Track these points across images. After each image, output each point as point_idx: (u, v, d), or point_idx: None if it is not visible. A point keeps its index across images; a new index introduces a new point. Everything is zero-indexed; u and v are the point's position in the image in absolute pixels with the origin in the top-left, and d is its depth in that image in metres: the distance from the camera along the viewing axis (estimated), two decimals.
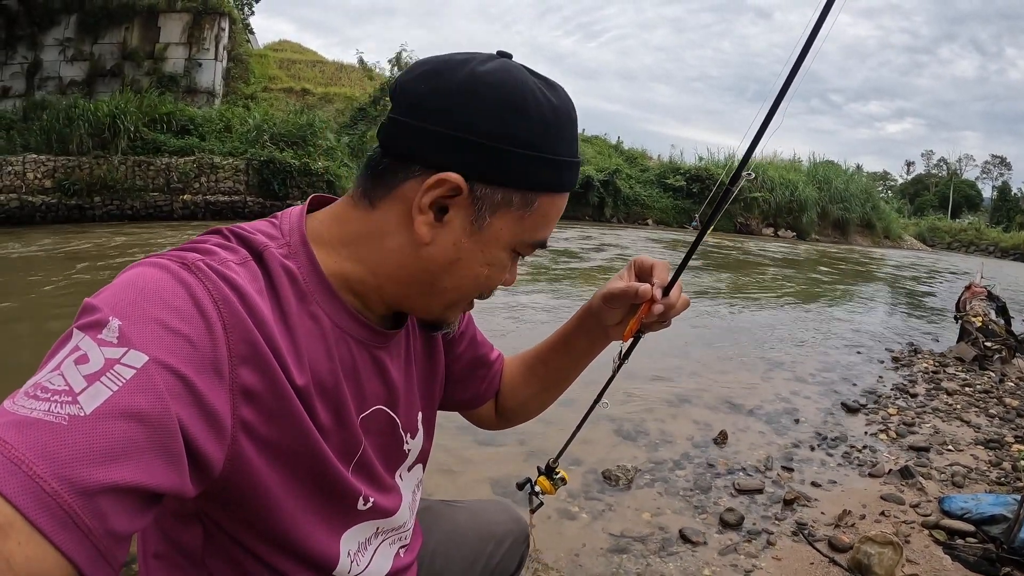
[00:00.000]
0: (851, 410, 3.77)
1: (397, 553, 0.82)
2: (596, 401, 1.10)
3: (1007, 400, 4.08)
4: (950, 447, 3.22)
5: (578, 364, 0.94)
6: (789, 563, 2.09)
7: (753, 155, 0.81)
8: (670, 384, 4.07)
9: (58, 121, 13.06)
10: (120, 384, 0.45)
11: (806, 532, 2.28)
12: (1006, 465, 2.99)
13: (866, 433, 3.41)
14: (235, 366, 0.54)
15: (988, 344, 5.21)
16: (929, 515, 2.42)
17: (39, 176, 12.34)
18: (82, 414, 0.43)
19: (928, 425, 3.57)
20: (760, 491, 2.60)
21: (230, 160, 13.96)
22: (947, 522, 2.33)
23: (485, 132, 0.60)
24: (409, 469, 0.84)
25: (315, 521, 0.67)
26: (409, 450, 0.82)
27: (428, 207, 0.62)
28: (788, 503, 2.50)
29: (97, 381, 0.45)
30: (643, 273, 0.82)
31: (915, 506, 2.51)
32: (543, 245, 0.69)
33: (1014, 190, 64.19)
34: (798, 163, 27.82)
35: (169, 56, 17.47)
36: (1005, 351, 5.14)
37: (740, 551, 2.14)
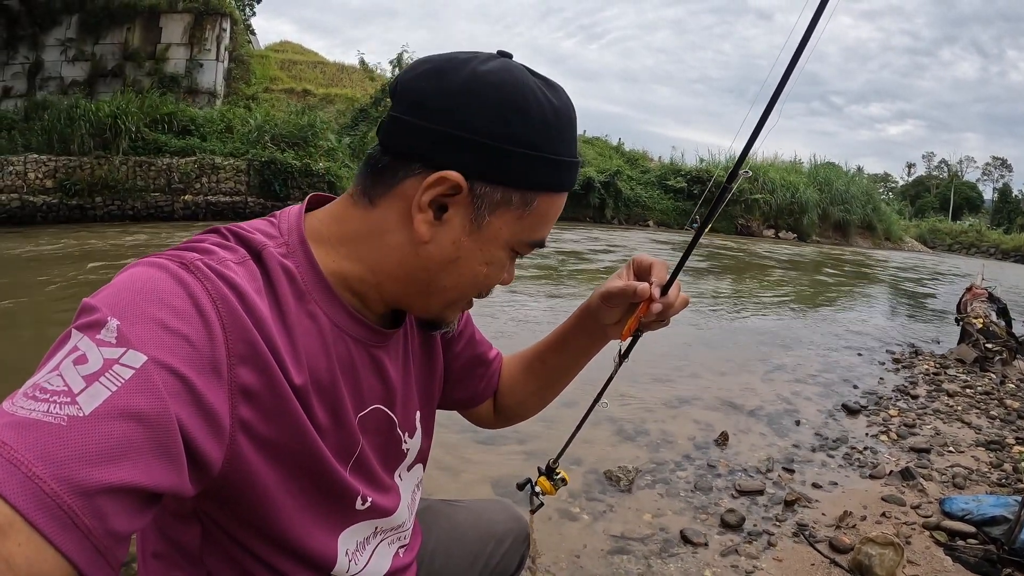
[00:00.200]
0: (852, 411, 3.77)
1: (396, 553, 0.82)
2: (596, 401, 1.10)
3: (1008, 402, 4.08)
4: (951, 448, 3.22)
5: (576, 363, 0.94)
6: (790, 564, 2.09)
7: (749, 154, 0.81)
8: (671, 385, 4.07)
9: (59, 121, 13.08)
10: (119, 384, 0.45)
11: (807, 533, 2.27)
12: (1007, 467, 2.99)
13: (867, 434, 3.41)
14: (233, 365, 0.54)
15: (989, 346, 5.21)
16: (930, 516, 2.41)
17: (40, 176, 12.36)
18: (81, 415, 0.43)
19: (929, 427, 3.56)
20: (761, 492, 2.60)
21: (231, 161, 13.97)
22: (948, 523, 2.32)
23: (486, 131, 0.60)
24: (409, 469, 0.84)
25: (313, 520, 0.67)
26: (408, 449, 0.81)
27: (428, 205, 0.62)
28: (789, 504, 2.50)
29: (96, 381, 0.45)
30: (642, 272, 0.81)
31: (916, 507, 2.51)
32: (541, 245, 0.69)
33: (1015, 192, 64.22)
34: (799, 165, 27.83)
35: (170, 56, 17.49)
36: (1006, 353, 5.14)
37: (741, 552, 2.14)
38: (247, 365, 0.55)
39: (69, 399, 0.43)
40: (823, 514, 2.44)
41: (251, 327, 0.55)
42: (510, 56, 0.66)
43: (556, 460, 1.27)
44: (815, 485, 2.72)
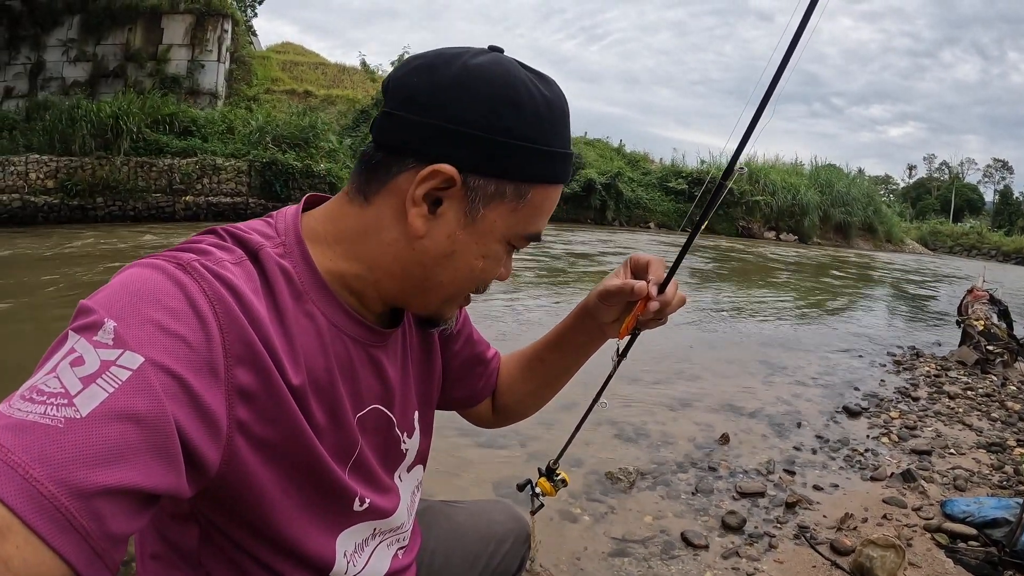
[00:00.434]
0: (853, 413, 3.76)
1: (395, 554, 0.82)
2: (595, 401, 1.09)
3: (1009, 404, 4.07)
4: (952, 451, 3.21)
5: (575, 362, 0.94)
6: (791, 566, 2.08)
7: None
8: (672, 387, 4.06)
9: (61, 122, 13.10)
10: (116, 386, 0.45)
11: (808, 535, 2.27)
12: (1008, 469, 2.98)
13: (868, 436, 3.40)
14: (231, 366, 0.54)
15: (990, 348, 5.20)
16: (931, 518, 2.41)
17: (42, 176, 12.38)
18: (78, 416, 0.43)
19: (930, 429, 3.56)
20: (762, 494, 2.60)
21: (232, 162, 13.99)
22: (949, 525, 2.32)
23: (478, 124, 0.60)
24: (409, 470, 0.84)
25: (310, 521, 0.67)
26: (407, 450, 0.81)
27: (422, 199, 0.62)
28: (790, 506, 2.49)
29: (93, 383, 0.44)
30: (639, 270, 0.81)
31: (917, 509, 2.50)
32: (537, 238, 0.69)
33: (1016, 194, 64.26)
34: (800, 167, 27.81)
35: (172, 57, 17.51)
36: (1007, 355, 5.13)
37: (742, 554, 2.14)
38: (244, 366, 0.55)
39: (66, 401, 0.43)
40: (824, 516, 2.44)
41: (248, 328, 0.55)
42: (501, 51, 0.66)
43: (556, 461, 1.27)
44: (816, 487, 2.71)
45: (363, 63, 23.92)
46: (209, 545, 0.64)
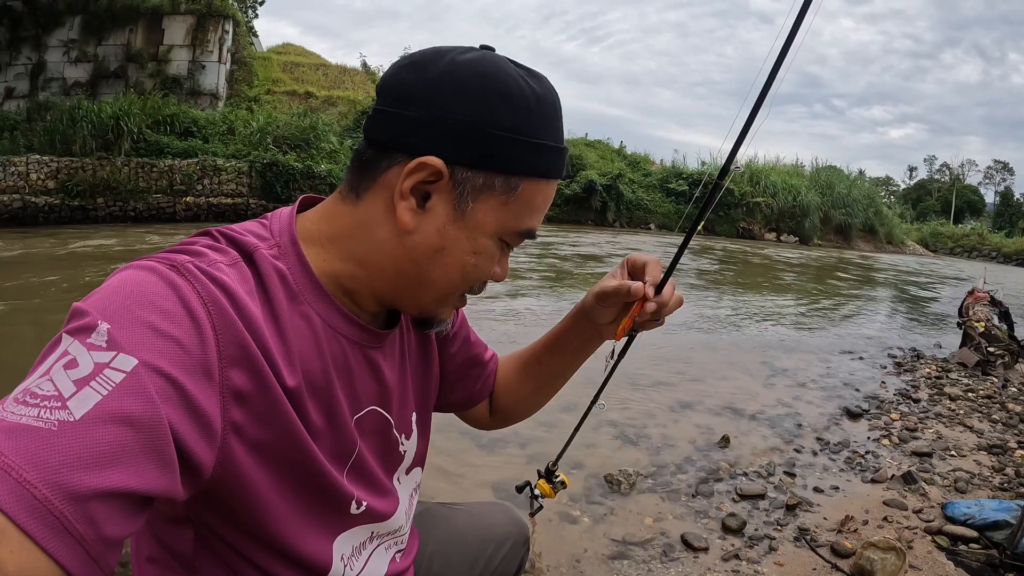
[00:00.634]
0: (854, 415, 3.75)
1: (393, 558, 0.81)
2: (593, 402, 1.09)
3: (1010, 405, 4.06)
4: (953, 452, 3.21)
5: (572, 363, 0.94)
6: (791, 569, 2.08)
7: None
8: (672, 389, 4.06)
9: (62, 122, 13.12)
10: (110, 388, 0.45)
11: (808, 538, 2.26)
12: (1009, 471, 2.97)
13: (869, 438, 3.40)
14: (225, 368, 0.54)
15: (991, 349, 5.19)
16: (932, 521, 2.40)
17: (42, 177, 12.38)
18: (72, 419, 0.43)
19: (931, 430, 3.55)
20: (762, 496, 2.59)
21: (233, 162, 14.00)
22: (950, 528, 2.31)
23: (465, 117, 0.60)
24: (407, 472, 0.84)
25: (307, 524, 0.66)
26: (405, 451, 0.81)
27: (409, 192, 0.62)
28: (790, 508, 2.49)
29: (86, 386, 0.44)
30: (636, 271, 0.81)
31: (918, 512, 2.50)
32: (531, 235, 0.68)
33: (1017, 195, 64.29)
34: (801, 168, 27.82)
35: (173, 58, 17.53)
36: (1008, 356, 5.12)
37: (742, 557, 2.13)
38: (238, 367, 0.55)
39: (60, 404, 0.43)
40: (825, 518, 2.43)
41: (242, 329, 0.55)
42: (492, 49, 0.66)
43: (555, 463, 1.27)
44: (817, 489, 2.70)
45: (364, 64, 23.96)
46: (204, 548, 0.64)
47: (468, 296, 0.73)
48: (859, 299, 10.07)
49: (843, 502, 2.59)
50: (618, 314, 0.82)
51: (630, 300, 0.78)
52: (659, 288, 0.78)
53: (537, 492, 1.26)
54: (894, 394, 4.32)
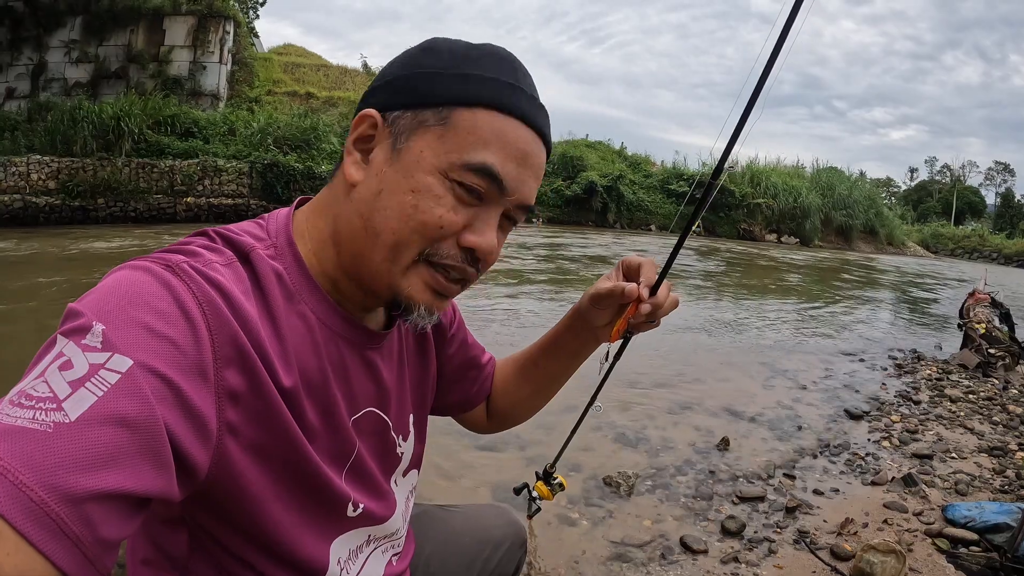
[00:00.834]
0: (854, 417, 3.75)
1: (389, 561, 0.81)
2: (590, 404, 1.09)
3: (1011, 407, 4.06)
4: (953, 455, 3.20)
5: (569, 366, 0.94)
6: (791, 571, 2.07)
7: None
8: (672, 390, 4.05)
9: (62, 123, 13.16)
10: (105, 389, 0.44)
11: (808, 540, 2.26)
12: (1010, 473, 2.97)
13: (869, 440, 3.39)
14: (220, 368, 0.53)
15: (992, 351, 5.19)
16: (932, 523, 2.40)
17: (43, 177, 12.40)
18: (67, 421, 0.42)
19: (931, 432, 3.55)
20: (762, 499, 2.59)
21: (233, 163, 14.02)
22: (950, 530, 2.31)
23: (400, 72, 0.65)
24: (404, 474, 0.83)
25: (303, 526, 0.66)
26: (402, 454, 0.81)
27: (353, 147, 0.65)
28: (790, 511, 2.48)
29: (82, 387, 0.44)
30: (631, 273, 0.81)
31: (918, 514, 2.49)
32: (486, 172, 0.61)
33: (1017, 196, 64.33)
34: (801, 169, 27.88)
35: (174, 59, 17.56)
36: (1009, 358, 5.12)
37: (741, 559, 2.13)
38: (233, 368, 0.55)
39: (55, 405, 0.43)
40: (824, 521, 2.43)
41: (238, 329, 0.55)
42: None
43: (553, 465, 1.26)
44: (816, 492, 2.70)
45: (365, 65, 24.01)
46: (199, 550, 0.64)
47: (451, 272, 0.65)
48: (859, 300, 10.06)
49: (843, 504, 2.59)
50: (613, 316, 0.82)
51: (625, 302, 0.78)
52: (654, 289, 0.78)
53: (535, 494, 1.26)
54: (894, 396, 4.32)
